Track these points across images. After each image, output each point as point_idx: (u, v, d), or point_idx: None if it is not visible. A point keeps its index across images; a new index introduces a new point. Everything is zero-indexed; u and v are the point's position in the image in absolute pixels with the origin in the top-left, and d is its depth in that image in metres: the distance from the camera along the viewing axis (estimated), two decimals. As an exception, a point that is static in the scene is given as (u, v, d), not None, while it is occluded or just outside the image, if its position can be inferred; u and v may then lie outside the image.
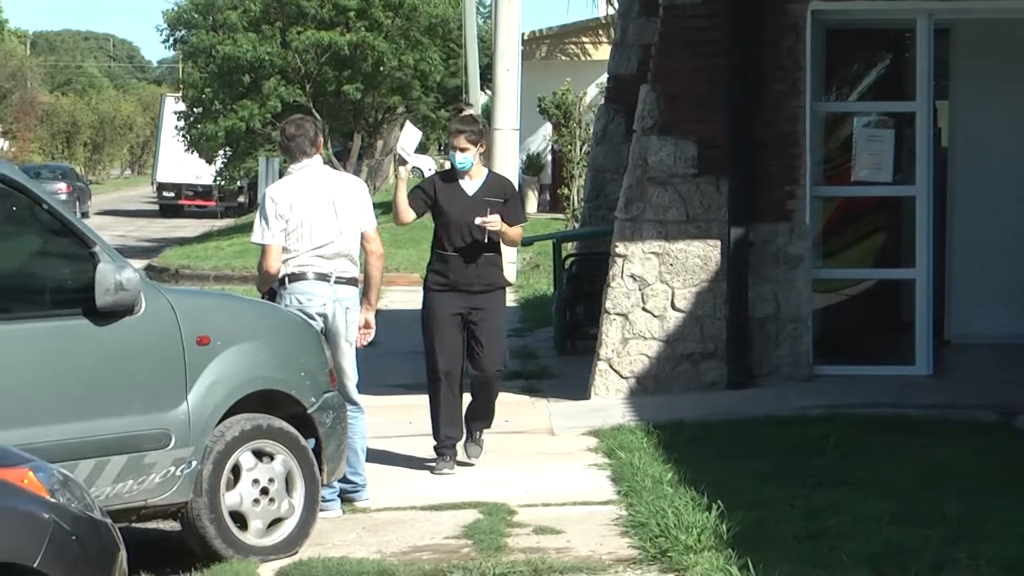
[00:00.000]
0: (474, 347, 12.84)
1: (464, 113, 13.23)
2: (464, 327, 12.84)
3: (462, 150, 12.73)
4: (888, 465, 12.05)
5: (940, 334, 16.52)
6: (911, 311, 15.99)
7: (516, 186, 14.12)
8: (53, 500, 6.86)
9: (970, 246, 17.38)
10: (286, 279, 11.62)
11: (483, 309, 12.80)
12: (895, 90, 16.49)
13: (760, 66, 15.53)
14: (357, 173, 53.42)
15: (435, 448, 12.95)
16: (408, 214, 13.03)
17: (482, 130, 13.05)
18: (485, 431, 13.27)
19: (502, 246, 13.18)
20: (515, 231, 13.09)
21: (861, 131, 16.35)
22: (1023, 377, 15.28)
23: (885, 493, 11.12)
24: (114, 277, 9.54)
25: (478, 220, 12.57)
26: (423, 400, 13.07)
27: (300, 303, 11.55)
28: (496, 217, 12.60)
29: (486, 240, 12.74)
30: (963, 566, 9.26)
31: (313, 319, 11.46)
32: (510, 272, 28.92)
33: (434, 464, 12.91)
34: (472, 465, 13.03)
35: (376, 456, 13.09)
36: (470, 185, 12.86)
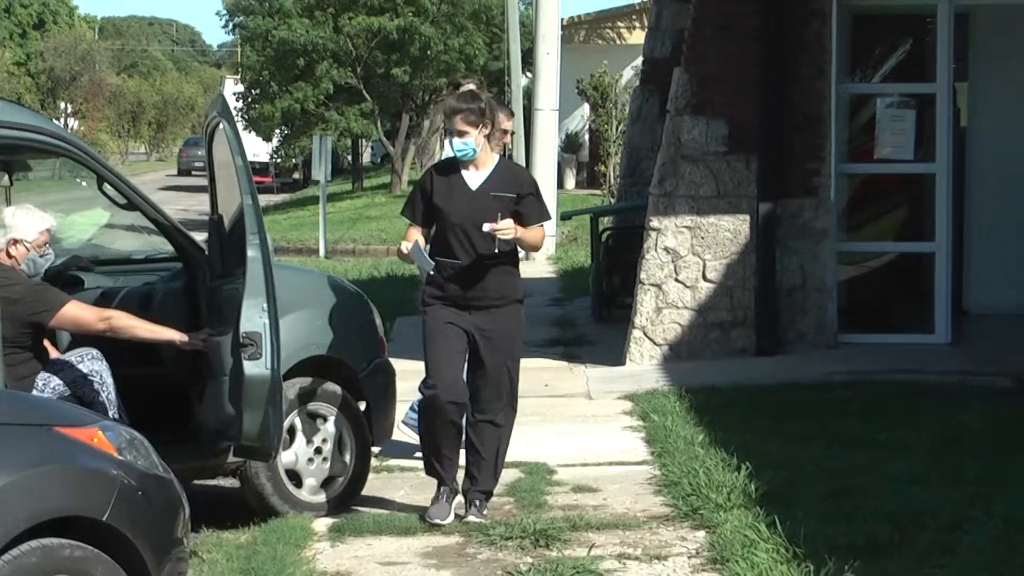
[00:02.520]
0: (475, 378, 9.99)
1: (462, 88, 10.31)
2: (467, 350, 9.98)
3: (460, 134, 9.80)
4: (908, 428, 12.03)
5: (958, 304, 16.48)
6: (931, 282, 15.96)
7: (534, 178, 10.59)
8: (121, 458, 6.89)
9: (987, 221, 17.34)
10: None
11: (491, 329, 9.85)
12: (916, 72, 16.43)
13: (788, 50, 15.50)
14: (405, 152, 53.55)
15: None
16: (410, 237, 9.95)
17: (484, 109, 9.83)
18: (495, 479, 10.15)
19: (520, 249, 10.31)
20: (534, 234, 9.95)
21: (884, 111, 16.32)
22: (1037, 344, 15.26)
23: (905, 455, 11.11)
24: None
25: (486, 227, 9.63)
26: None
27: None
28: (508, 222, 9.66)
29: (496, 250, 9.78)
30: (979, 524, 9.23)
31: None
32: (548, 245, 29.02)
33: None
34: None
35: (423, 418, 13.10)
36: (474, 177, 9.89)
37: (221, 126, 9.66)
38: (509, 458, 11.70)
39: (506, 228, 9.60)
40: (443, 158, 10.55)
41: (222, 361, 9.50)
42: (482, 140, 9.83)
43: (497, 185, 9.87)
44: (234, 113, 44.24)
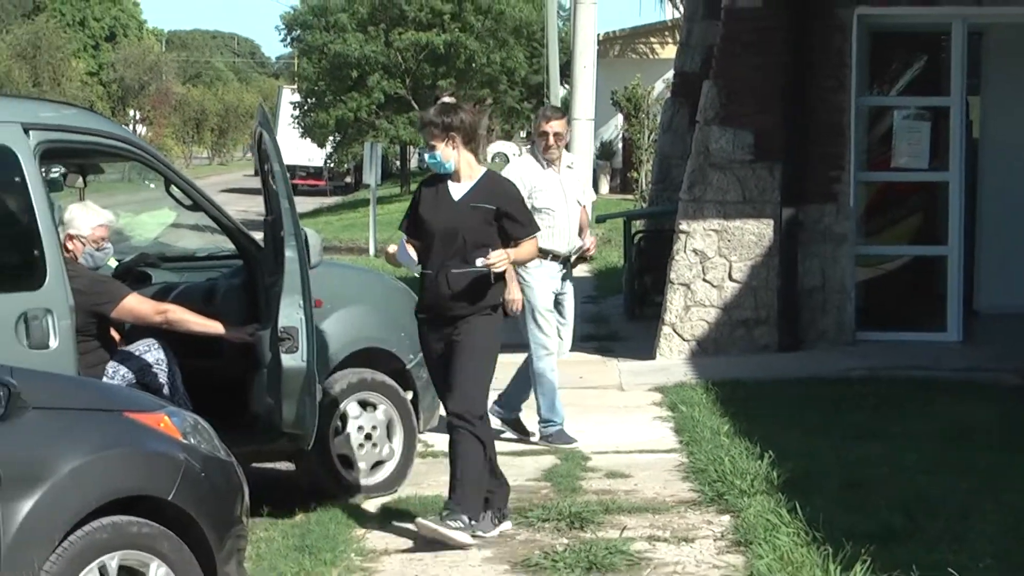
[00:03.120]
0: (446, 379, 9.40)
1: (439, 102, 9.62)
2: None
3: (430, 147, 9.42)
4: (921, 421, 12.00)
5: (969, 305, 16.43)
6: (944, 284, 15.94)
7: (517, 191, 9.85)
8: (185, 442, 6.91)
9: (998, 226, 17.28)
10: None
11: (459, 334, 9.28)
12: (931, 86, 16.38)
13: (811, 64, 15.48)
14: (450, 157, 53.62)
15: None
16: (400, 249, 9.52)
17: (452, 124, 9.27)
18: (469, 497, 9.15)
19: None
20: (525, 250, 9.48)
21: (900, 123, 16.31)
22: (1044, 344, 15.20)
23: (918, 446, 11.07)
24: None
25: (479, 262, 9.11)
26: (510, 358, 12.95)
27: None
28: (499, 254, 9.13)
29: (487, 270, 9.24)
30: (988, 513, 9.21)
31: None
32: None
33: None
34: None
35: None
36: (457, 189, 9.41)
37: (263, 135, 9.70)
38: (545, 446, 11.77)
39: (498, 261, 9.11)
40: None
41: (267, 353, 9.52)
42: (454, 153, 9.31)
43: (478, 197, 9.35)
44: (291, 120, 44.11)
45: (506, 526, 9.35)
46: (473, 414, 9.18)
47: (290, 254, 9.36)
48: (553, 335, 11.93)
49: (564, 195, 11.89)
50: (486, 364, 9.39)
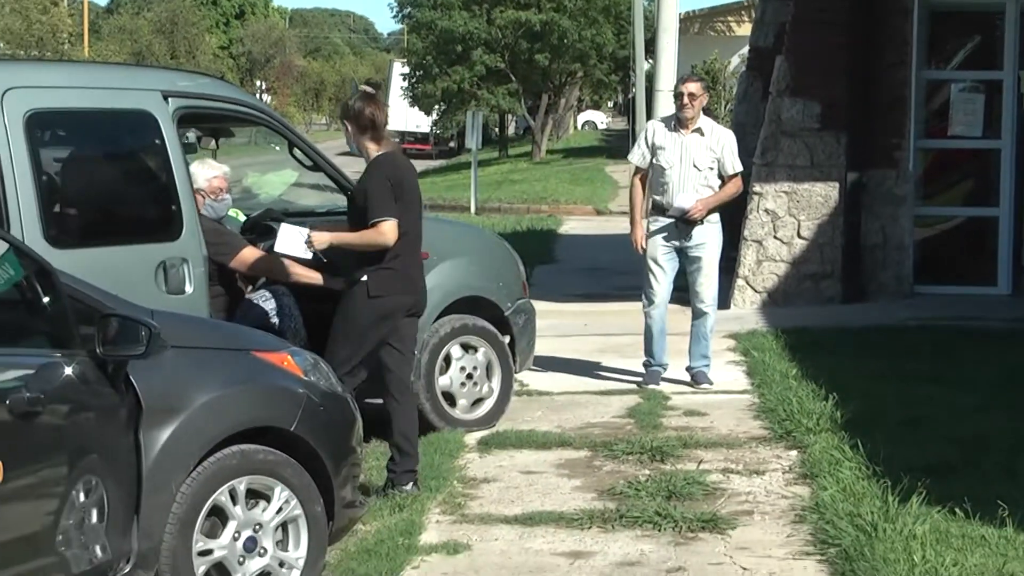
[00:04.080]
0: None
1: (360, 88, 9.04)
2: None
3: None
4: (974, 367, 11.90)
5: (1018, 261, 16.25)
6: (994, 242, 15.84)
7: (374, 181, 8.70)
8: (306, 379, 6.95)
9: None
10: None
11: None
12: (986, 62, 16.22)
13: (875, 41, 15.39)
14: (544, 125, 53.50)
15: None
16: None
17: (344, 112, 8.87)
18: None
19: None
20: (363, 236, 8.69)
21: (957, 95, 16.20)
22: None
23: (971, 389, 10.99)
24: None
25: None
26: (596, 306, 13.03)
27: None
28: (319, 235, 8.85)
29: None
30: (1035, 450, 9.14)
31: None
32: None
33: None
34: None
35: (559, 350, 13.12)
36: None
37: None
38: (630, 385, 11.74)
39: (317, 242, 8.79)
40: None
41: None
42: (351, 138, 8.82)
43: (359, 181, 8.98)
44: (401, 91, 44.06)
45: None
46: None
47: None
48: (657, 286, 11.78)
49: (681, 157, 11.52)
50: (353, 340, 8.78)
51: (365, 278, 8.71)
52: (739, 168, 11.60)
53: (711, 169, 11.53)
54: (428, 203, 10.57)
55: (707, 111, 11.87)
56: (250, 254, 9.40)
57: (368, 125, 8.75)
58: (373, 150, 8.77)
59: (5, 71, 8.71)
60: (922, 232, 16.01)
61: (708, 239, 11.68)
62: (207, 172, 9.81)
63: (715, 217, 11.66)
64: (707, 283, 11.76)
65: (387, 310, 8.74)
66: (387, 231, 8.61)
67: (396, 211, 8.63)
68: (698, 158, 11.51)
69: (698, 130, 11.53)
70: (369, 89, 8.94)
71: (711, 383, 11.78)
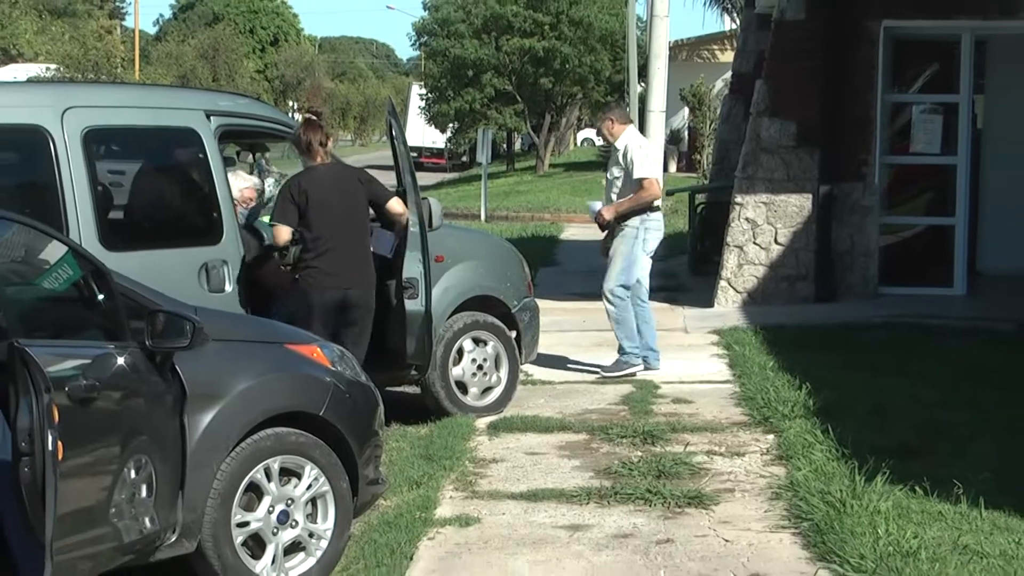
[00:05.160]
0: None
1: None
2: None
3: None
4: (933, 361, 11.87)
5: (973, 266, 16.23)
6: (951, 248, 15.78)
7: (281, 194, 9.29)
8: (334, 369, 6.95)
9: (997, 201, 17.09)
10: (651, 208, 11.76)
11: None
12: (944, 86, 16.16)
13: (845, 67, 15.34)
14: (547, 142, 53.44)
15: None
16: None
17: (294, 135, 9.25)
18: None
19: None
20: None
21: (918, 116, 16.14)
22: (1034, 299, 15.04)
23: (931, 381, 10.97)
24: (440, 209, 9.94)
25: None
26: (594, 304, 12.98)
27: (658, 225, 11.85)
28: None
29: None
30: (988, 437, 9.13)
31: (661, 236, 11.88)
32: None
33: None
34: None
35: (560, 344, 13.11)
36: None
37: (392, 123, 9.76)
38: (623, 376, 11.72)
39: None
40: None
41: (394, 300, 9.58)
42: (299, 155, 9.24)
43: None
44: (418, 110, 44.00)
45: None
46: None
47: (412, 219, 9.38)
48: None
49: (607, 169, 11.92)
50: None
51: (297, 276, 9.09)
52: (644, 173, 11.55)
53: (618, 179, 11.69)
54: (443, 211, 10.56)
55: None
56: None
57: (303, 149, 9.11)
58: (306, 163, 9.15)
59: (65, 92, 8.74)
60: (886, 239, 15.96)
61: (618, 243, 11.82)
62: (238, 183, 9.82)
63: (632, 222, 11.72)
64: (605, 278, 11.77)
65: (317, 301, 8.98)
66: (279, 234, 9.04)
67: (293, 220, 8.99)
68: (611, 170, 11.81)
69: (615, 147, 11.77)
70: (311, 116, 9.24)
71: (611, 372, 11.76)
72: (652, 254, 11.91)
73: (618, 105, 12.43)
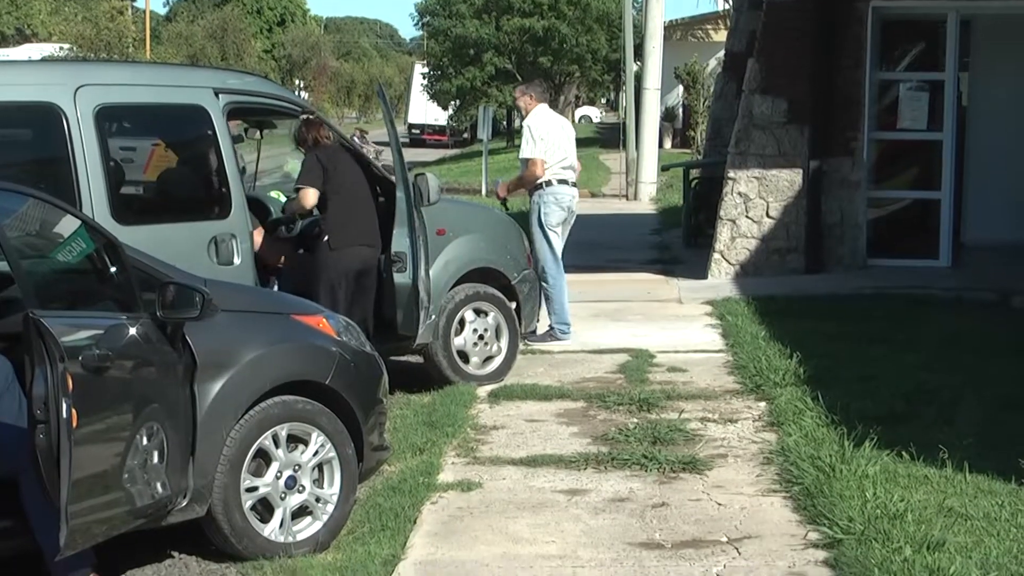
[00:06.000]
0: None
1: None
2: None
3: None
4: (919, 329, 11.88)
5: (958, 238, 16.21)
6: (937, 221, 15.76)
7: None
8: (339, 339, 6.94)
9: (981, 175, 17.05)
10: (545, 183, 11.73)
11: None
12: (930, 64, 16.12)
13: (834, 46, 15.29)
14: (546, 119, 53.43)
15: None
16: None
17: (295, 136, 10.01)
18: None
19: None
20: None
21: (905, 93, 16.10)
22: (1016, 269, 15.00)
23: (917, 349, 10.98)
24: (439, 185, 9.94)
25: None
26: (591, 276, 13.01)
27: (556, 199, 11.72)
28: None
29: None
30: (972, 401, 9.13)
31: (564, 210, 11.71)
32: (651, 190, 28.82)
33: None
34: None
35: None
36: None
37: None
38: (620, 346, 11.73)
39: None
40: None
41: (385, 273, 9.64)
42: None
43: None
44: (421, 89, 44.07)
45: None
46: None
47: (400, 194, 9.43)
48: None
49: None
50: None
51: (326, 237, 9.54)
52: (525, 155, 11.71)
53: (519, 157, 11.95)
54: (444, 186, 10.56)
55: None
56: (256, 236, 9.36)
57: (313, 143, 9.63)
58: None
59: (77, 71, 8.70)
60: (874, 212, 15.94)
61: (529, 216, 11.96)
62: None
63: (533, 198, 11.86)
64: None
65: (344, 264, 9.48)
66: (306, 197, 9.54)
67: (319, 182, 9.51)
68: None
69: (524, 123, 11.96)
70: (308, 116, 9.68)
71: (538, 339, 11.81)
72: (558, 228, 11.82)
73: (540, 84, 12.53)
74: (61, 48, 48.20)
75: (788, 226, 15.38)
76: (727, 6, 39.32)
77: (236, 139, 9.80)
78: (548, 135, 11.76)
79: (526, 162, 11.71)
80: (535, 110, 11.83)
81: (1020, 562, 6.02)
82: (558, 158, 11.77)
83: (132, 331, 5.86)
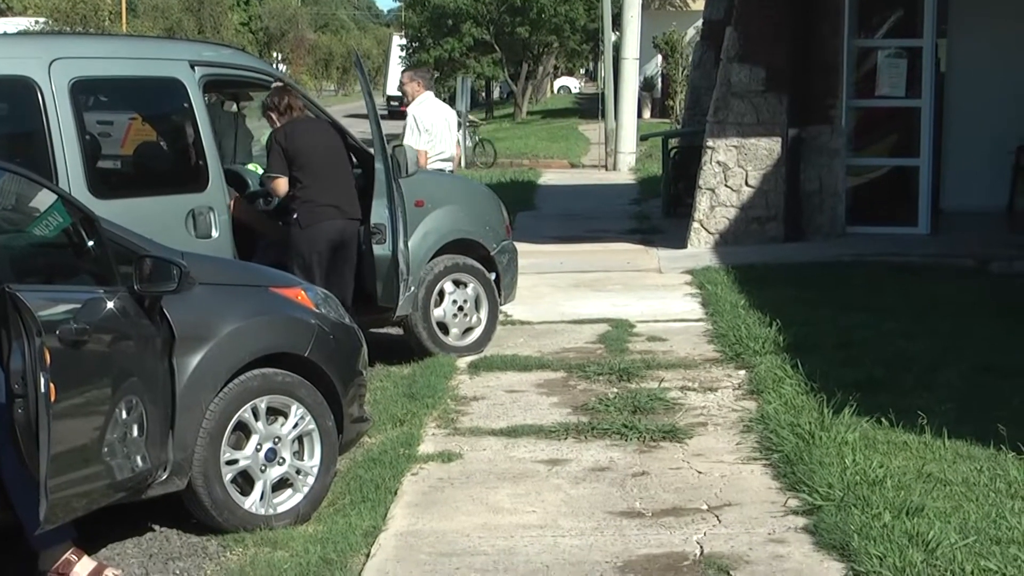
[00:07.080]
0: None
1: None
2: None
3: None
4: (898, 296, 11.91)
5: (936, 205, 16.25)
6: (916, 188, 15.80)
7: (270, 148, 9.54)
8: (318, 311, 6.94)
9: (959, 142, 17.10)
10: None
11: None
12: (908, 31, 16.13)
13: (812, 14, 15.31)
14: (524, 90, 53.30)
15: None
16: None
17: (265, 104, 9.60)
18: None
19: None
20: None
21: (883, 60, 16.10)
22: (994, 235, 15.06)
23: (896, 316, 11.00)
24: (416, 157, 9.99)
25: None
26: (570, 247, 13.01)
27: None
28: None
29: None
30: (950, 367, 9.16)
31: None
32: (630, 160, 28.81)
33: None
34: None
35: (538, 284, 13.11)
36: None
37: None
38: (600, 316, 11.74)
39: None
40: None
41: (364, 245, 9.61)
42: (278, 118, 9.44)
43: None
44: (399, 60, 43.85)
45: None
46: None
47: (378, 166, 9.42)
48: None
49: None
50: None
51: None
52: (411, 144, 11.75)
53: (403, 143, 12.03)
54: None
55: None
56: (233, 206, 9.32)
57: (284, 109, 9.37)
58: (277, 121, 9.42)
59: (52, 44, 8.66)
60: (853, 180, 15.98)
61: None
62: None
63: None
64: None
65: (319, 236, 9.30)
66: (278, 186, 9.37)
67: (285, 168, 9.28)
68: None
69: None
70: (279, 83, 9.54)
71: None
72: None
73: (428, 71, 13.12)
74: (36, 22, 47.95)
75: (767, 194, 15.40)
76: (705, -25, 39.29)
77: (212, 111, 9.77)
78: (433, 127, 12.25)
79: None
80: (420, 97, 12.34)
81: (999, 526, 6.05)
82: (437, 151, 12.26)
83: (110, 305, 5.84)
